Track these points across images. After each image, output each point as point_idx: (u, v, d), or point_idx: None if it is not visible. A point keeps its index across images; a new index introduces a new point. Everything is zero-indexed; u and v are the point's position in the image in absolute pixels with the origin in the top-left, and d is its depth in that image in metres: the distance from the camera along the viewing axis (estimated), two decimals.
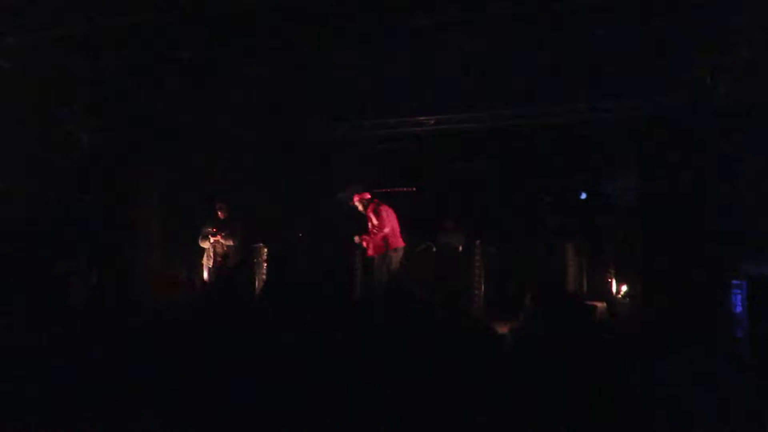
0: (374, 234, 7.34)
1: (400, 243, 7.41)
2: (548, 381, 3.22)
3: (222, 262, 8.09)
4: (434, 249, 8.45)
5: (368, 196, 7.62)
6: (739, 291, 6.24)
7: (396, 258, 7.26)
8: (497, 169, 10.26)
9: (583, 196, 9.85)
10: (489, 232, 9.00)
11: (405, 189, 10.75)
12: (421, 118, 10.32)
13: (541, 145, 10.15)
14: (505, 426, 2.83)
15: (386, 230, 7.26)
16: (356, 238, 7.58)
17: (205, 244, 8.33)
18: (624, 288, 7.79)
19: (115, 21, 7.07)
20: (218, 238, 8.26)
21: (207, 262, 8.29)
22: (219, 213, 8.44)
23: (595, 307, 5.39)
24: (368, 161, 10.60)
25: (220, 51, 7.80)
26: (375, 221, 7.36)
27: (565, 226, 9.06)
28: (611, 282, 7.96)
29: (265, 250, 8.48)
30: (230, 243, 8.26)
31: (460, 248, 8.50)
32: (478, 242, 8.43)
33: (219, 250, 8.27)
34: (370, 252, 7.44)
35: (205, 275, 8.24)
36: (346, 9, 7.38)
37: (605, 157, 9.49)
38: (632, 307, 7.13)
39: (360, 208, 7.60)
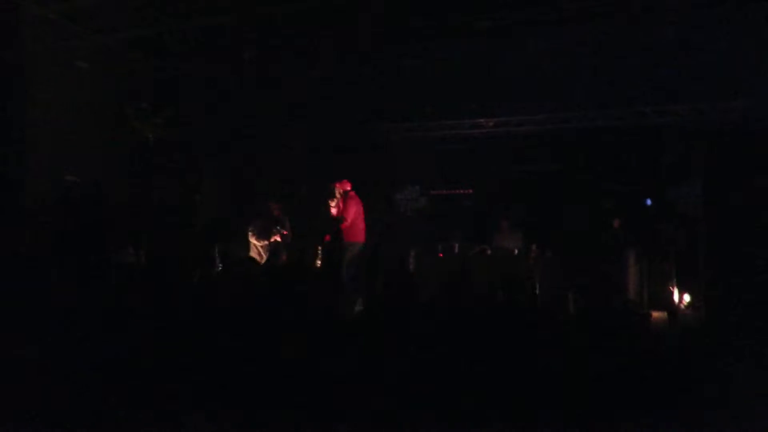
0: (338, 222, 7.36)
1: (358, 238, 7.38)
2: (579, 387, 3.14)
3: (273, 258, 8.23)
4: (489, 252, 8.33)
5: (348, 187, 7.59)
6: None
7: (352, 251, 7.26)
8: (557, 172, 10.06)
9: (648, 202, 9.53)
10: (547, 237, 8.81)
11: (462, 191, 10.69)
12: (480, 120, 10.26)
13: (605, 149, 9.91)
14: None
15: (346, 224, 7.28)
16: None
17: (262, 242, 8.46)
18: (687, 298, 7.47)
19: (182, 23, 7.38)
20: (277, 237, 8.41)
21: (258, 258, 8.43)
22: (275, 212, 8.56)
23: (650, 315, 5.21)
24: (426, 162, 10.60)
25: (280, 52, 8.00)
26: (342, 210, 7.36)
27: (627, 233, 8.78)
28: (673, 291, 7.65)
29: (319, 247, 8.59)
30: (284, 241, 8.43)
31: (516, 251, 8.36)
32: (534, 246, 8.28)
33: (272, 247, 8.41)
34: (328, 237, 7.44)
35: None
36: (406, 10, 7.44)
37: (672, 162, 9.16)
38: (695, 318, 6.83)
39: (337, 195, 7.56)
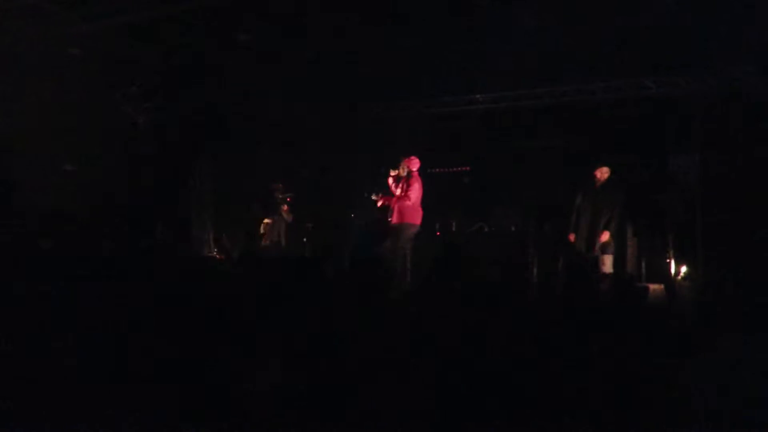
0: (400, 200, 7.26)
1: (417, 221, 7.31)
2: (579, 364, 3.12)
3: (275, 237, 8.28)
4: (486, 229, 8.33)
5: (416, 167, 7.51)
6: None
7: (408, 233, 7.20)
8: (555, 147, 9.97)
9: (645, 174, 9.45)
10: (545, 212, 8.77)
11: (460, 168, 10.63)
12: (478, 96, 10.16)
13: (604, 122, 9.80)
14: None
15: (408, 203, 7.20)
16: (374, 196, 7.45)
17: (271, 218, 8.46)
18: (684, 269, 7.46)
19: (173, 8, 7.33)
20: (284, 207, 8.45)
21: (271, 235, 8.47)
22: (276, 193, 8.59)
23: (648, 288, 5.21)
24: (423, 139, 10.53)
25: (273, 33, 7.94)
26: (407, 190, 7.28)
27: (625, 206, 8.70)
28: (670, 263, 7.63)
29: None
30: (286, 220, 8.51)
31: (513, 228, 8.35)
32: (532, 222, 8.27)
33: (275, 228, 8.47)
34: (394, 219, 7.32)
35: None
36: None
37: (669, 134, 9.06)
38: (692, 289, 6.83)
39: (402, 172, 7.47)
